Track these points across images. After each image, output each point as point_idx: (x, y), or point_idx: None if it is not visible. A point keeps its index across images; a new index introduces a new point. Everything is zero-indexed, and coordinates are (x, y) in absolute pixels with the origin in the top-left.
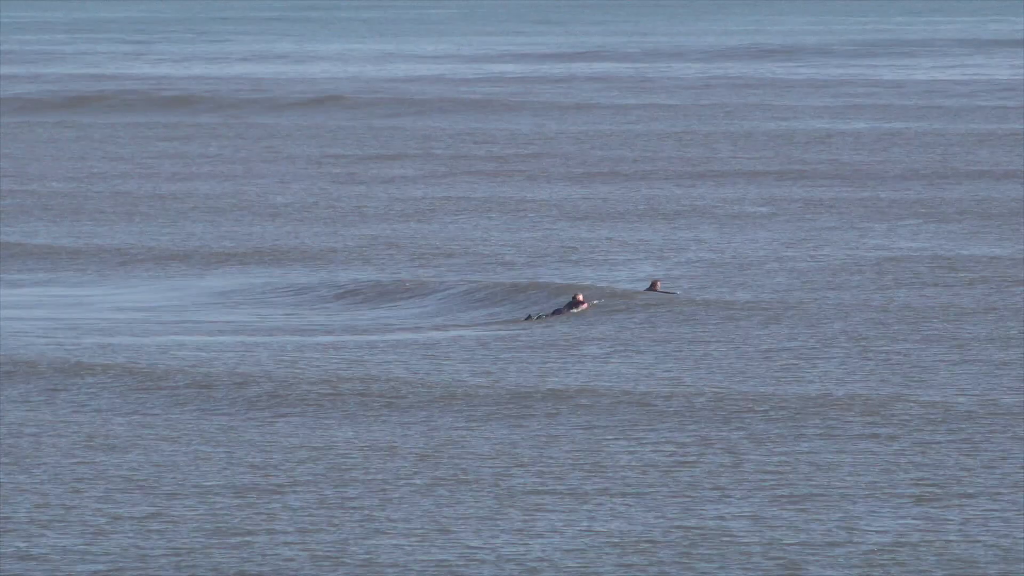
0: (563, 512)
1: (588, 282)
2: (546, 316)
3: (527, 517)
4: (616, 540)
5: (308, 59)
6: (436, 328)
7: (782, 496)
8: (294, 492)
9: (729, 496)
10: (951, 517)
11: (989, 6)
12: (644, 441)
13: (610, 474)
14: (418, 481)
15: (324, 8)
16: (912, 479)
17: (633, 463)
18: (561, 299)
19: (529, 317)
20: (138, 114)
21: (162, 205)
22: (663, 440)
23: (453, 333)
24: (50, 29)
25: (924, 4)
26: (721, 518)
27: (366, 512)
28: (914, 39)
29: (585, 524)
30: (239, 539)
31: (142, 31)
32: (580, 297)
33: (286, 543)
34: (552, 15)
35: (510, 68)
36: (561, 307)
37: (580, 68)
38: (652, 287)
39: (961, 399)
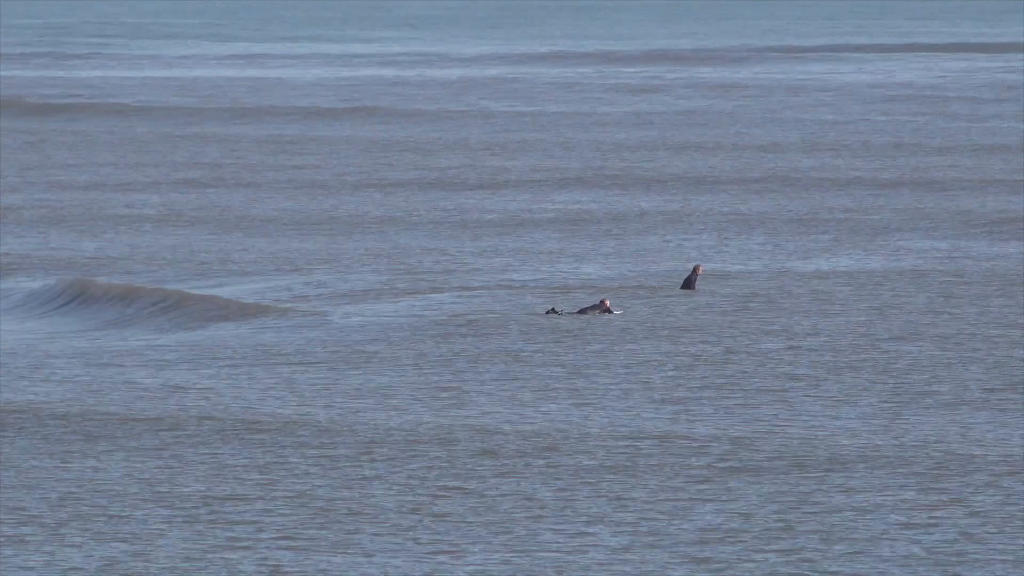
0: None
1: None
2: (571, 313)
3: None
4: None
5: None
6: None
7: None
8: None
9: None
10: None
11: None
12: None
13: None
14: None
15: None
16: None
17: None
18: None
19: (552, 311)
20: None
21: None
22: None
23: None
24: None
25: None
26: None
27: None
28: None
29: None
30: None
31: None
32: (607, 303)
33: None
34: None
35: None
36: (586, 308)
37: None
38: (694, 272)
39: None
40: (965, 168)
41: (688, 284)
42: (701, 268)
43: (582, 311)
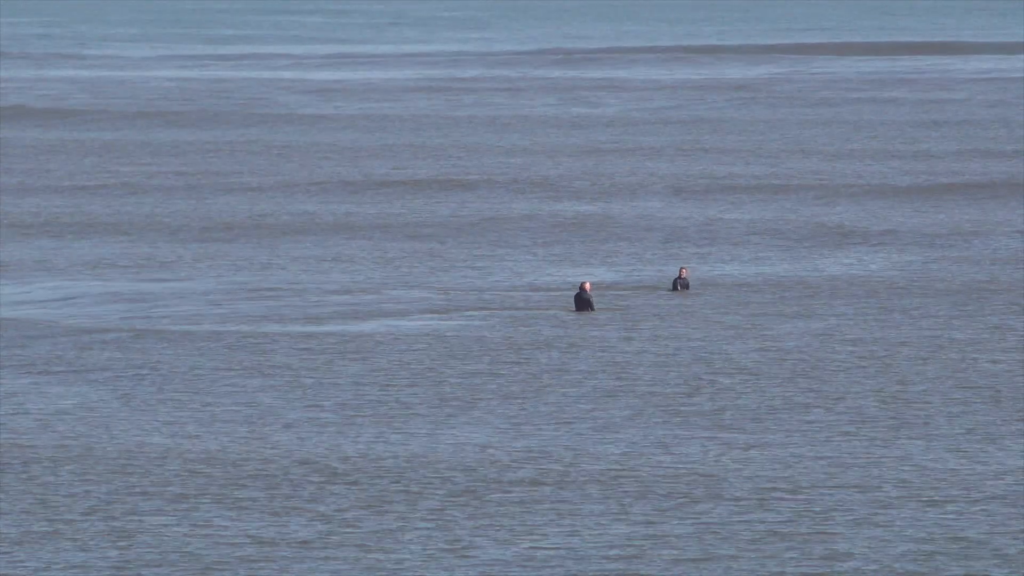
0: None
1: None
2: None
3: None
4: None
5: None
6: None
7: None
8: None
9: None
10: None
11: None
12: None
13: None
14: None
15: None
16: None
17: None
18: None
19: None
20: None
21: None
22: None
23: None
24: None
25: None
26: None
27: None
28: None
29: None
30: None
31: None
32: (588, 286)
33: None
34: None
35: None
36: (583, 298)
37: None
38: (680, 275)
39: None
40: None
41: (676, 286)
42: (686, 271)
43: (580, 305)
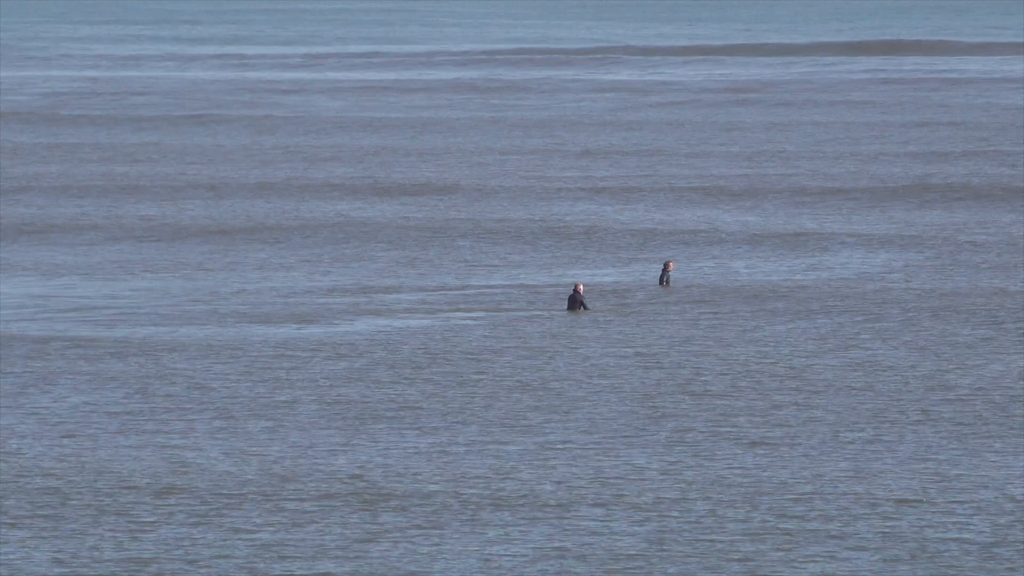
0: None
1: None
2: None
3: None
4: None
5: None
6: None
7: None
8: None
9: None
10: None
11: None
12: None
13: None
14: None
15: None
16: None
17: None
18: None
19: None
20: None
21: None
22: None
23: None
24: None
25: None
26: None
27: None
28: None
29: None
30: None
31: None
32: (580, 287)
33: None
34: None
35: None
36: (575, 299)
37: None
38: (665, 269)
39: None
40: None
41: (662, 280)
42: (673, 265)
43: (572, 306)
